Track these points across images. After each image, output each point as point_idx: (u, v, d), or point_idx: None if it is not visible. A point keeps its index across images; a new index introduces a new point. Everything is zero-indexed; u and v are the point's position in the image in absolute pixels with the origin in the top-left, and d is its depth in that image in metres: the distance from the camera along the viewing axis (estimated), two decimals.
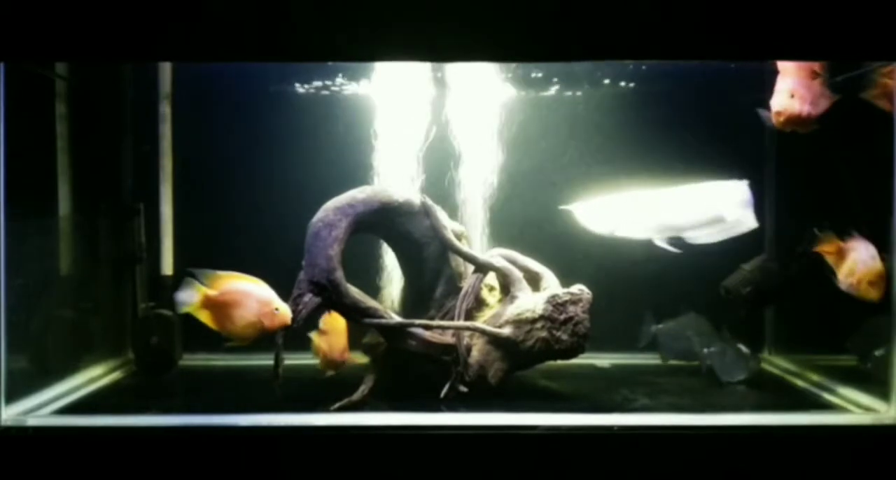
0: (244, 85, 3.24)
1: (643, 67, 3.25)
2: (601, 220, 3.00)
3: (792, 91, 2.68)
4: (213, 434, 2.37)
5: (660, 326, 3.21)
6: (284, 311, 2.53)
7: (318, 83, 3.28)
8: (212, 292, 2.51)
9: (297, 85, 3.29)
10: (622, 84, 3.35)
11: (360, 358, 2.98)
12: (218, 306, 2.51)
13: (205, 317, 2.52)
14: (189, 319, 2.55)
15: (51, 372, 2.85)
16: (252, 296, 2.52)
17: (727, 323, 3.17)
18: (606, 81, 3.33)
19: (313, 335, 2.86)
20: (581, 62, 3.16)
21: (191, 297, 2.51)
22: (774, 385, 3.12)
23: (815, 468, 2.33)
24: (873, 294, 2.63)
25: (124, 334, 3.36)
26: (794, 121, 2.68)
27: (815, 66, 2.68)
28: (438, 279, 2.92)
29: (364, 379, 2.74)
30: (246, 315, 2.50)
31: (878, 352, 2.73)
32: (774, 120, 2.69)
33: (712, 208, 3.00)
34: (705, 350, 3.13)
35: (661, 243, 2.97)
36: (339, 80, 3.24)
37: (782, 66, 2.69)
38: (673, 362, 3.25)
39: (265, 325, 2.51)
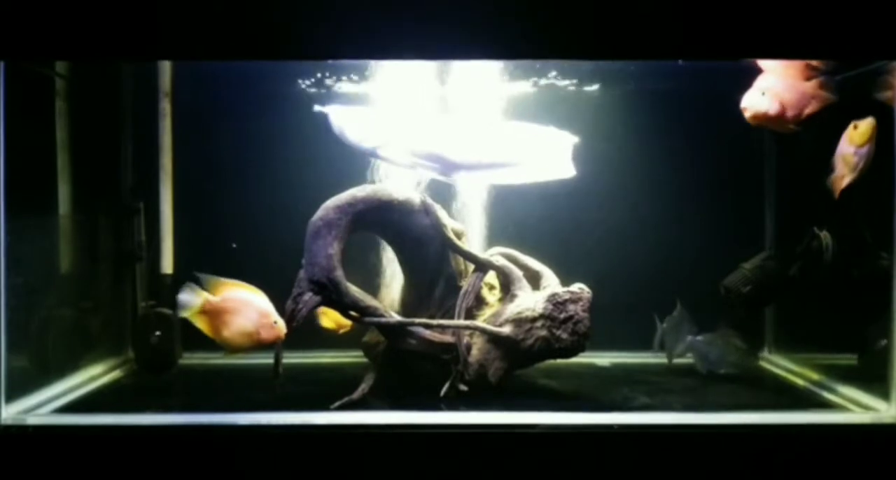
0: (244, 83, 3.23)
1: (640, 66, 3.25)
2: (358, 131, 2.87)
3: (765, 89, 2.67)
4: (213, 434, 2.37)
5: (698, 338, 3.17)
6: (281, 326, 2.54)
7: (318, 82, 3.27)
8: (213, 297, 2.51)
9: (298, 84, 3.29)
10: (624, 83, 3.35)
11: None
12: (217, 312, 2.51)
13: (202, 323, 2.53)
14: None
15: (51, 370, 2.85)
16: (252, 306, 2.52)
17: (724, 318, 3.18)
18: (606, 80, 3.34)
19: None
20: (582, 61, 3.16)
21: (192, 301, 2.51)
22: (774, 384, 3.13)
23: (816, 467, 2.33)
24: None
25: (124, 333, 3.36)
26: (762, 118, 2.68)
27: (807, 66, 2.68)
28: (438, 278, 2.92)
29: (364, 378, 2.75)
30: (243, 323, 2.51)
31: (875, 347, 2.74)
32: (745, 115, 2.69)
33: (517, 147, 2.88)
34: (695, 338, 3.14)
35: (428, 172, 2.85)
36: (339, 78, 3.24)
37: (767, 65, 2.69)
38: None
39: (261, 336, 2.51)
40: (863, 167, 2.58)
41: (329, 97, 3.20)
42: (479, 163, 2.88)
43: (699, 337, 3.14)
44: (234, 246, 3.07)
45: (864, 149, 2.56)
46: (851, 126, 2.57)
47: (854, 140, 2.57)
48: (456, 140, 2.89)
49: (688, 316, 3.18)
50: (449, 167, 2.88)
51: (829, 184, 2.66)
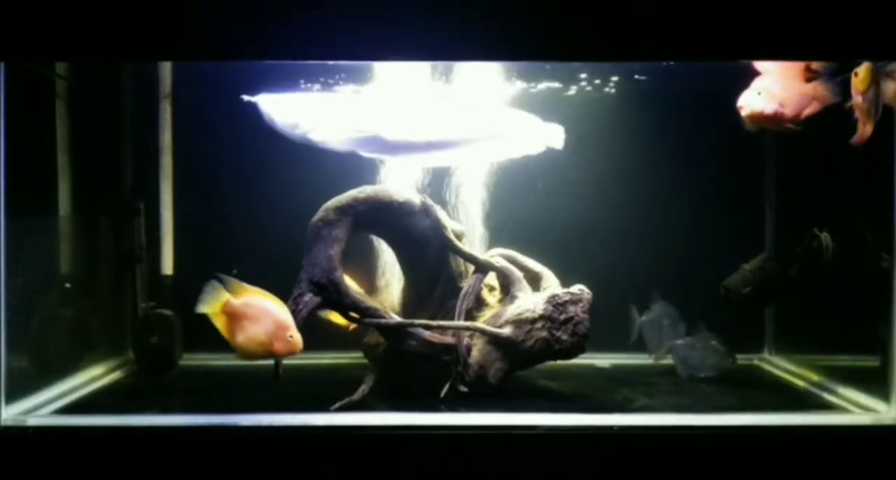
0: (245, 84, 3.23)
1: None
2: (288, 117, 2.79)
3: (761, 89, 2.67)
4: (213, 434, 2.37)
5: (678, 342, 3.15)
6: (297, 341, 2.50)
7: (319, 82, 3.27)
8: (234, 300, 2.50)
9: (299, 84, 3.28)
10: (629, 82, 3.35)
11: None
12: (235, 316, 2.49)
13: (220, 324, 2.51)
14: (190, 319, 2.55)
15: (51, 371, 2.85)
16: (271, 316, 2.49)
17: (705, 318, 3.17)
18: (613, 79, 3.34)
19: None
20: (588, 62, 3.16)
21: (214, 300, 2.49)
22: (774, 385, 3.12)
23: (816, 468, 2.33)
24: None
25: (124, 334, 3.36)
26: (758, 118, 2.68)
27: (805, 67, 2.67)
28: (438, 279, 2.92)
29: (364, 379, 2.75)
30: (260, 331, 2.48)
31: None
32: (741, 115, 2.69)
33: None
34: (676, 341, 3.13)
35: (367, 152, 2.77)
36: (339, 78, 3.24)
37: (764, 67, 2.69)
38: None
39: (275, 348, 2.48)
40: (876, 111, 2.56)
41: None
42: (422, 143, 2.80)
43: (679, 341, 3.13)
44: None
45: (870, 93, 2.55)
46: (853, 75, 2.57)
47: (858, 88, 2.56)
48: (392, 120, 2.80)
49: (670, 311, 3.17)
50: (386, 148, 2.80)
51: (852, 139, 2.63)
